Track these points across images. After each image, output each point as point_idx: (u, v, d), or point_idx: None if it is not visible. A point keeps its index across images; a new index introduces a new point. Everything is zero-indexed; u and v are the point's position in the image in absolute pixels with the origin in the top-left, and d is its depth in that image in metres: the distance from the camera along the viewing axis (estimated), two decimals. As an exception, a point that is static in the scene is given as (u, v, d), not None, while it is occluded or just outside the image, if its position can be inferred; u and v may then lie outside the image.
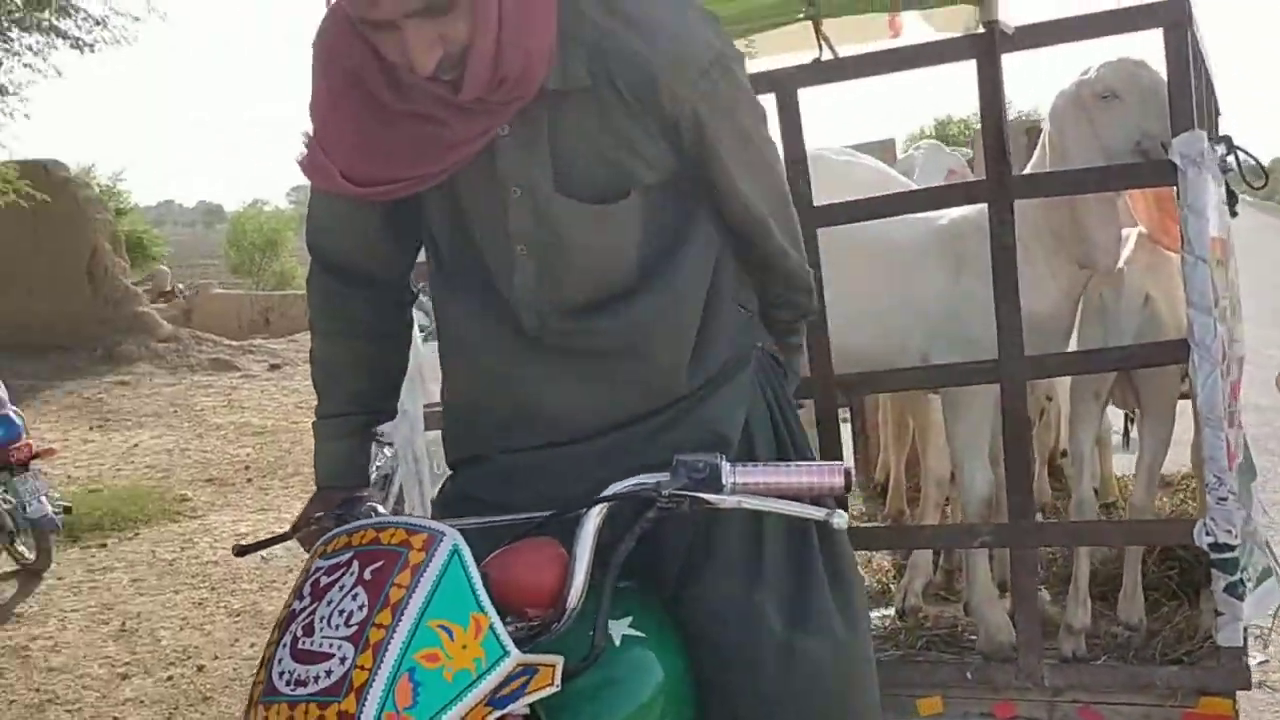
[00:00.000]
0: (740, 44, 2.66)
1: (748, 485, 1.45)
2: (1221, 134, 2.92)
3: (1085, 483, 2.51)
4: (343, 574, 1.33)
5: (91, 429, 10.70)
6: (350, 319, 1.79)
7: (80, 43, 9.44)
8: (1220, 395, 2.07)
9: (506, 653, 1.28)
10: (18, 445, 6.56)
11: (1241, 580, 2.12)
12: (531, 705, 1.40)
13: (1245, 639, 2.14)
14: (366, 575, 1.31)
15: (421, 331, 2.80)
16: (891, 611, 2.75)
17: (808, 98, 2.31)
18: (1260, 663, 3.90)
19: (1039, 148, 2.48)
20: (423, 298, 2.92)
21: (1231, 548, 2.10)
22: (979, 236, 2.29)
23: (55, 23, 9.19)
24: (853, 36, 2.79)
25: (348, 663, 1.24)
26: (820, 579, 1.69)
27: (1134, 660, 2.28)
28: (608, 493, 1.46)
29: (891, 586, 2.92)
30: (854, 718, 1.70)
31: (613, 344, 1.66)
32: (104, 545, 6.87)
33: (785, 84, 2.32)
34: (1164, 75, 2.22)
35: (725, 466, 1.45)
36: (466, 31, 1.43)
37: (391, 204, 1.65)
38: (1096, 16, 2.30)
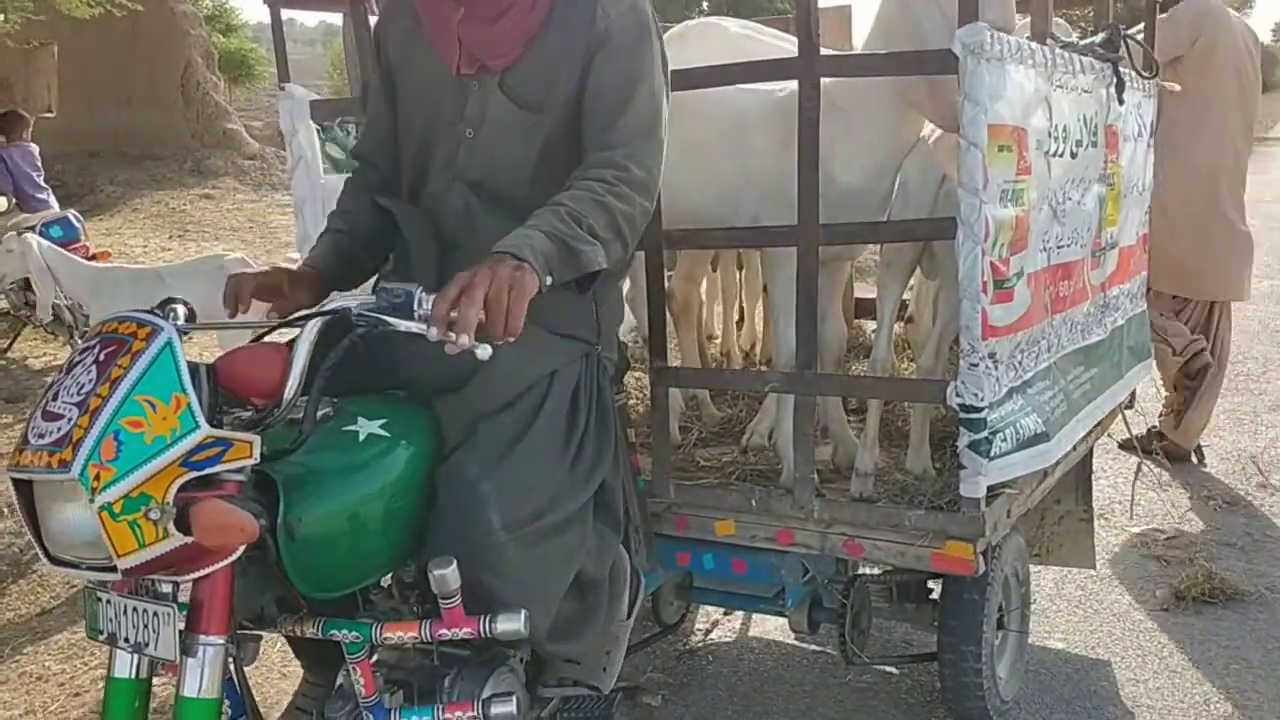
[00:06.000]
0: None
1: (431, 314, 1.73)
2: (1107, 23, 3.01)
3: (882, 343, 2.70)
4: (88, 354, 1.66)
5: (171, 238, 11.32)
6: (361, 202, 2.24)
7: None
8: (979, 270, 2.24)
9: (197, 426, 1.60)
10: (76, 246, 7.10)
11: (987, 439, 2.33)
12: (269, 475, 1.73)
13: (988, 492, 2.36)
14: (101, 356, 1.63)
15: (332, 164, 3.08)
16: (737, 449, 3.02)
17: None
18: (1138, 532, 4.12)
19: (876, 23, 2.56)
20: (337, 131, 3.20)
21: (978, 409, 2.31)
22: None
23: None
24: None
25: (71, 423, 1.57)
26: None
27: (902, 504, 2.52)
28: (318, 308, 1.76)
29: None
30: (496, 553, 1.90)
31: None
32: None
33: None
34: None
35: (419, 295, 1.73)
36: None
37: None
38: None
